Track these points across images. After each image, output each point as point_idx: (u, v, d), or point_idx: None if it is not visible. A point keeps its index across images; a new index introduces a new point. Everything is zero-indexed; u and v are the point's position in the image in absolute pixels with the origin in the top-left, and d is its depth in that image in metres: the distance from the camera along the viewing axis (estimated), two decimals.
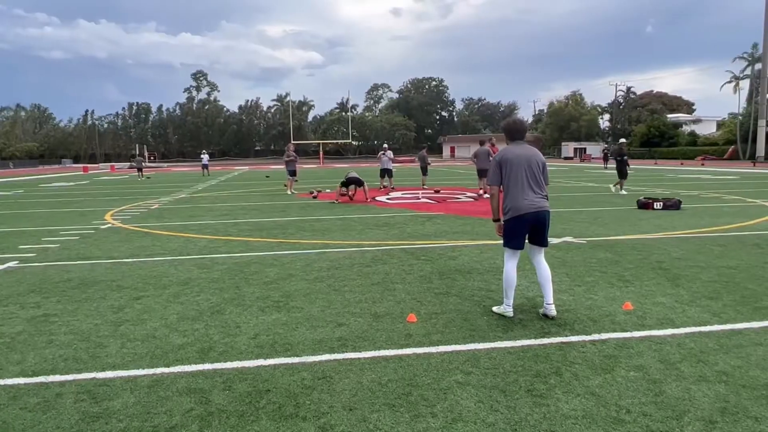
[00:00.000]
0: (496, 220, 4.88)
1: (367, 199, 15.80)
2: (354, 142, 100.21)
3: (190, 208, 14.83)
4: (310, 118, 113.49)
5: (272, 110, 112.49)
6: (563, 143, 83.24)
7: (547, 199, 4.78)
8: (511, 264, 4.81)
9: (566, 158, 76.44)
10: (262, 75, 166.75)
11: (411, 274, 6.50)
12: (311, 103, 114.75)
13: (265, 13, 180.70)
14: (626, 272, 6.42)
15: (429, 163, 21.94)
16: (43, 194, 22.09)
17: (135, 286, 6.14)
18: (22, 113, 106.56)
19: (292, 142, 27.18)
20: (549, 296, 4.74)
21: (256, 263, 7.25)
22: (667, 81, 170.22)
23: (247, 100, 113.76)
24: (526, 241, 4.83)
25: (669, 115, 78.21)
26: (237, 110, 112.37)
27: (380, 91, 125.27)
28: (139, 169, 37.07)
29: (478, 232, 9.58)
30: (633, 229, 9.72)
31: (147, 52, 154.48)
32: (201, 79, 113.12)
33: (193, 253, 8.09)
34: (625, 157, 17.55)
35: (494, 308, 4.95)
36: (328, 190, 20.21)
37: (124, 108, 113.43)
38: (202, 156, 39.37)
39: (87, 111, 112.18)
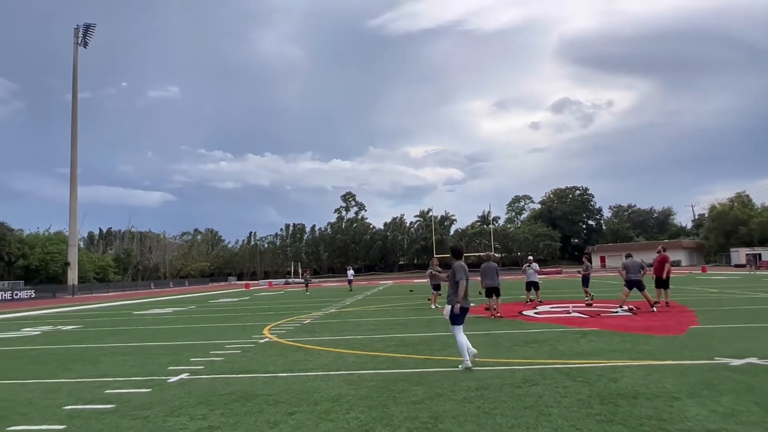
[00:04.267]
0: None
1: (496, 314, 14.90)
2: (497, 254, 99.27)
3: (339, 323, 15.35)
4: (451, 231, 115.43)
5: (415, 225, 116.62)
6: (732, 249, 75.15)
7: None
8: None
9: (737, 266, 68.56)
10: (405, 193, 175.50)
11: (567, 397, 6.01)
12: (453, 217, 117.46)
13: (408, 137, 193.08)
14: None
15: (589, 273, 20.65)
16: (211, 309, 24.30)
17: (289, 401, 6.35)
18: (198, 237, 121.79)
19: (435, 256, 27.57)
20: None
21: (402, 381, 7.20)
22: None
23: (393, 218, 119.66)
24: None
25: None
26: (382, 227, 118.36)
27: (522, 203, 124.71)
28: (306, 284, 40.47)
29: (641, 351, 8.72)
30: None
31: (303, 178, 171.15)
32: (350, 199, 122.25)
33: (343, 368, 8.26)
34: None
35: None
36: (472, 304, 19.88)
37: (281, 229, 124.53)
38: (348, 271, 41.82)
39: (250, 233, 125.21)
